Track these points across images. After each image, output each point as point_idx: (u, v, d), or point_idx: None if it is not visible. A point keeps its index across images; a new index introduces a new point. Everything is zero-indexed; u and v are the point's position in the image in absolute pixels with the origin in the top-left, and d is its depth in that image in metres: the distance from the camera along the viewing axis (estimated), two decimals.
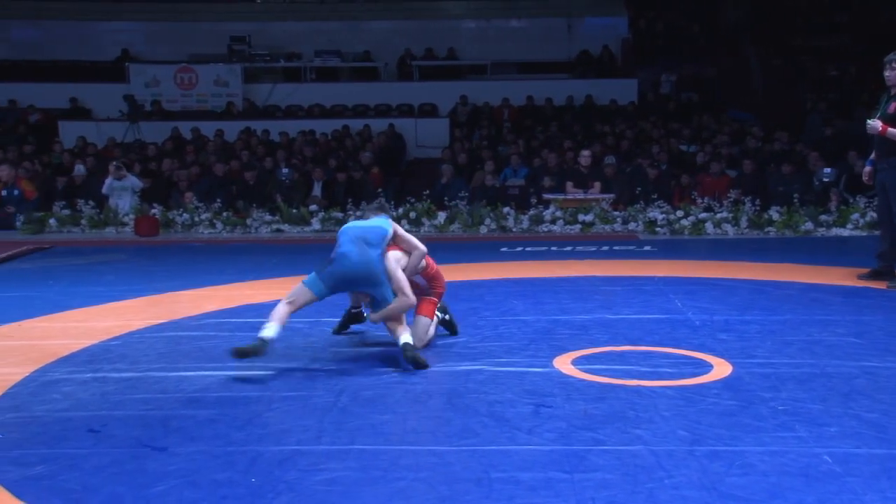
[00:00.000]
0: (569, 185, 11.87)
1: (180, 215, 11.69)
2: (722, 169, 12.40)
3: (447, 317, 5.42)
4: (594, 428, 3.70)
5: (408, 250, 4.99)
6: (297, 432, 3.75)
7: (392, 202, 11.70)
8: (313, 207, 11.82)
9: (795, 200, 10.83)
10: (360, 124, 16.32)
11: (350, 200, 11.73)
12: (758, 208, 10.82)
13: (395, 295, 4.79)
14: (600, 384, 4.35)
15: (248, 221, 11.53)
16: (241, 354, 4.55)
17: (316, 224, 11.47)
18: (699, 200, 11.10)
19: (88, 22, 19.69)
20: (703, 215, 10.76)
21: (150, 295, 7.01)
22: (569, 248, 9.44)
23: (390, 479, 3.22)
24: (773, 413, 3.86)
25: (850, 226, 10.43)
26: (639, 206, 11.14)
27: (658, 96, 17.58)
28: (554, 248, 9.47)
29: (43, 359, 5.01)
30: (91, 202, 11.95)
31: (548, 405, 4.03)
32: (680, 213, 10.84)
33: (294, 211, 11.67)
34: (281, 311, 4.71)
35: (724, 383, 4.33)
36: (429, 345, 5.20)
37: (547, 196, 11.69)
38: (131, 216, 11.62)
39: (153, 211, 11.70)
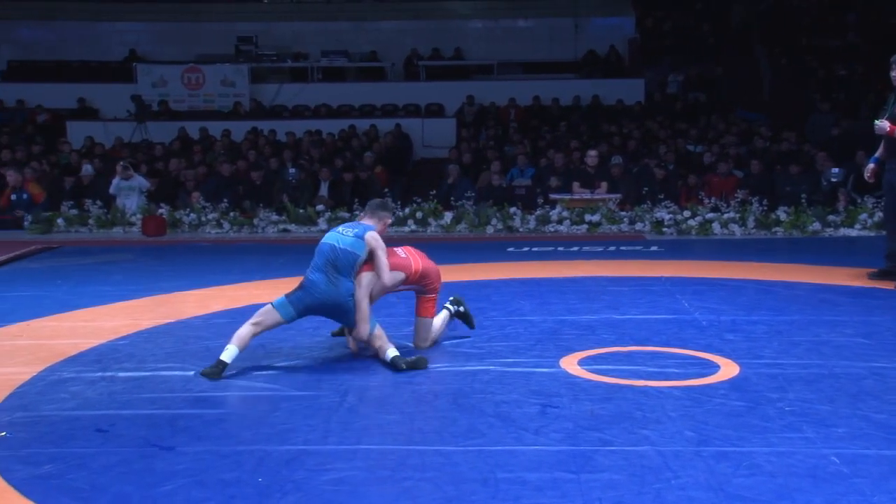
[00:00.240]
0: (575, 185, 11.86)
1: (187, 215, 11.72)
2: (729, 169, 12.38)
3: (462, 309, 5.40)
4: (601, 428, 3.70)
5: (377, 273, 4.84)
6: (304, 432, 3.76)
7: (398, 202, 11.72)
8: (320, 207, 11.83)
9: (803, 200, 10.80)
10: (366, 124, 16.32)
11: (356, 200, 11.73)
12: (765, 208, 10.80)
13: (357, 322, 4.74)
14: (607, 384, 4.35)
15: (255, 221, 11.56)
16: (203, 375, 4.58)
17: (322, 224, 11.47)
18: (706, 201, 11.07)
19: (96, 22, 19.74)
20: (711, 215, 10.74)
21: (157, 294, 7.03)
22: (575, 249, 9.43)
23: (397, 478, 3.22)
24: (781, 414, 3.85)
25: (858, 226, 10.40)
26: (646, 206, 11.12)
27: (665, 96, 17.54)
28: (560, 249, 9.47)
29: (51, 358, 5.03)
30: (99, 202, 11.99)
31: (554, 405, 4.02)
32: (687, 214, 10.82)
33: (301, 211, 11.69)
34: (243, 333, 4.67)
35: (732, 384, 4.32)
36: (436, 343, 5.20)
37: (553, 196, 11.68)
38: (138, 216, 11.65)
39: (160, 211, 11.73)
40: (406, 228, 11.33)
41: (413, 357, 4.74)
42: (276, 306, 4.72)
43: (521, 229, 11.12)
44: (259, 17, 19.67)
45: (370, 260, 4.84)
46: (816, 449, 3.42)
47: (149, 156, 14.59)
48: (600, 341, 5.23)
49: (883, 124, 6.73)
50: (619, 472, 3.23)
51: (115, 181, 12.21)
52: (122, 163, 12.59)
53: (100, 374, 4.72)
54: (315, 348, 5.23)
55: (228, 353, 4.60)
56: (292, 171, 12.85)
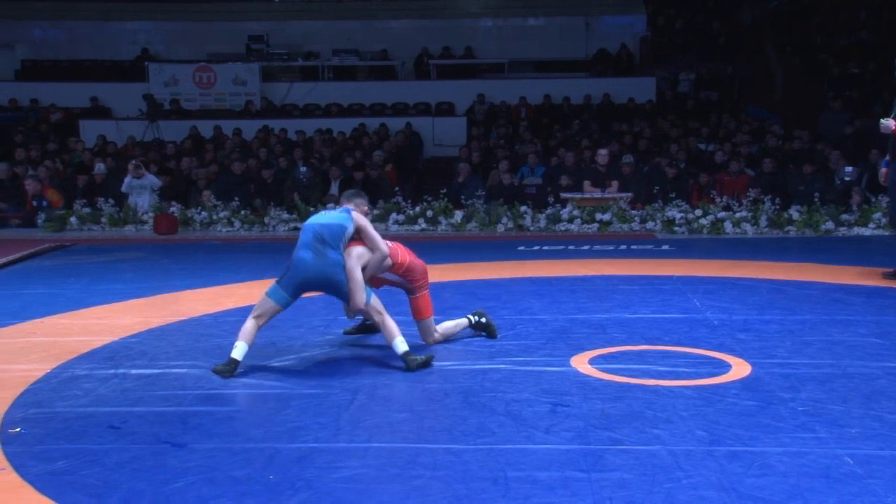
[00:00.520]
0: (586, 183, 11.84)
1: (199, 213, 11.75)
2: (741, 168, 12.32)
3: (483, 320, 5.35)
4: (612, 427, 3.70)
5: (370, 248, 4.84)
6: (315, 430, 3.77)
7: (409, 200, 11.72)
8: (330, 206, 11.83)
9: (816, 199, 10.75)
10: (377, 123, 16.34)
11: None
12: (778, 207, 10.75)
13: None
14: (618, 384, 4.34)
15: (266, 220, 11.58)
16: (216, 372, 4.62)
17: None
18: (718, 199, 11.03)
19: (108, 22, 19.82)
20: (722, 214, 10.69)
21: (169, 292, 7.06)
22: (586, 248, 9.41)
23: (407, 476, 3.23)
24: (793, 414, 3.83)
25: (871, 225, 10.34)
26: (657, 205, 11.09)
27: (676, 95, 17.49)
28: (571, 248, 9.45)
29: (64, 355, 5.06)
30: (111, 200, 12.04)
31: (565, 404, 4.02)
32: (698, 213, 10.78)
33: (311, 209, 11.70)
34: (248, 328, 4.69)
35: (743, 383, 4.31)
36: (449, 340, 5.19)
37: (564, 195, 11.65)
38: (150, 214, 11.69)
39: (172, 209, 11.77)
40: (416, 227, 11.34)
41: (422, 357, 4.74)
42: (270, 294, 4.73)
43: (531, 228, 11.10)
44: (270, 17, 19.70)
45: (358, 238, 4.83)
46: (829, 449, 3.41)
47: (160, 154, 14.64)
48: (611, 340, 5.22)
49: (888, 123, 6.76)
50: (630, 471, 3.22)
51: (127, 180, 12.26)
52: (133, 161, 12.64)
53: (112, 371, 4.75)
54: (325, 346, 5.24)
55: (239, 351, 4.62)
56: (303, 169, 12.87)
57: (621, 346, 5.09)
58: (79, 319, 6.12)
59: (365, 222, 4.87)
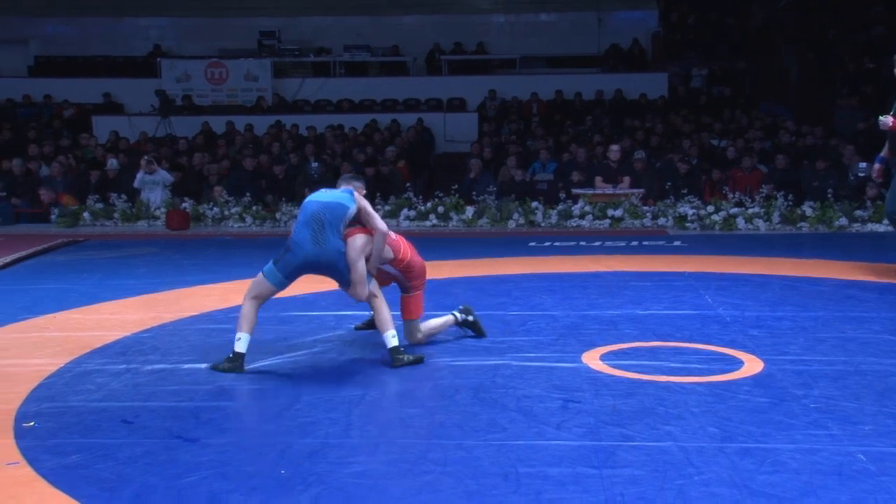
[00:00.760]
0: (598, 179, 11.81)
1: (210, 209, 11.80)
2: (754, 164, 12.27)
3: (471, 318, 5.26)
4: (623, 424, 3.69)
5: (371, 228, 4.70)
6: (326, 425, 3.77)
7: (420, 196, 11.73)
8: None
9: (829, 195, 10.69)
10: (388, 119, 16.34)
11: (378, 195, 11.76)
12: (791, 203, 10.70)
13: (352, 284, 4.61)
14: (629, 380, 4.33)
15: (278, 215, 11.61)
16: (220, 370, 4.53)
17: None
18: (730, 195, 10.99)
19: (121, 18, 19.89)
20: (735, 210, 10.65)
21: (181, 288, 7.09)
22: (597, 244, 9.39)
23: (418, 472, 3.23)
24: (806, 410, 3.82)
25: (885, 221, 10.27)
26: (669, 201, 11.05)
27: (689, 90, 17.41)
28: (583, 243, 9.43)
29: (77, 350, 5.09)
30: (123, 196, 12.10)
31: (576, 400, 4.02)
32: (711, 209, 10.74)
33: None
34: (248, 313, 4.57)
35: (755, 380, 4.29)
36: (428, 341, 5.12)
37: (576, 191, 11.63)
38: (163, 210, 11.74)
39: (184, 205, 11.81)
40: (428, 223, 11.34)
41: (411, 356, 4.68)
42: (266, 274, 4.62)
43: (542, 224, 11.09)
44: (281, 12, 19.71)
45: (359, 222, 4.70)
46: (842, 446, 3.39)
47: (172, 150, 14.70)
48: (623, 336, 5.21)
49: (887, 119, 6.83)
50: (642, 467, 3.22)
51: (140, 175, 12.31)
52: (146, 157, 12.69)
53: (124, 366, 4.77)
54: (337, 341, 5.25)
55: (243, 343, 4.53)
56: (314, 165, 12.89)
57: (633, 342, 5.08)
58: (91, 315, 6.15)
59: (365, 203, 4.73)
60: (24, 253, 8.97)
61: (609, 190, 11.56)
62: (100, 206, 12.02)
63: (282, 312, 5.81)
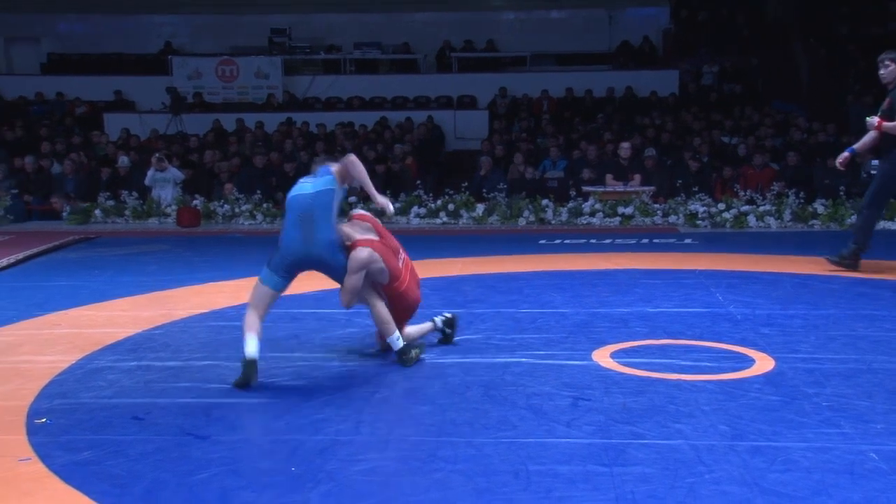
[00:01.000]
0: (608, 177, 11.79)
1: (221, 206, 11.83)
2: (765, 161, 12.22)
3: (449, 331, 5.07)
4: (633, 422, 3.68)
5: (353, 174, 4.55)
6: (337, 422, 3.78)
7: (431, 194, 11.73)
8: (352, 199, 11.87)
9: (841, 193, 10.63)
10: (399, 116, 16.35)
11: (388, 192, 11.76)
12: (802, 201, 10.64)
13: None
14: (640, 378, 4.32)
15: None
16: (241, 386, 4.28)
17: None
18: (741, 193, 10.94)
19: (133, 16, 19.94)
20: (746, 208, 10.61)
21: (191, 285, 7.11)
22: (608, 241, 9.38)
23: (428, 469, 3.23)
24: (817, 409, 3.80)
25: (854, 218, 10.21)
26: (679, 198, 11.02)
27: (700, 88, 17.34)
28: (593, 241, 9.42)
29: (88, 347, 5.11)
30: (135, 193, 12.14)
31: (586, 398, 4.01)
32: (721, 206, 10.71)
33: None
34: (252, 321, 4.39)
35: (767, 378, 4.27)
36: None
37: (586, 188, 11.61)
38: (173, 207, 11.78)
39: (195, 202, 11.85)
40: (438, 220, 11.34)
41: (417, 348, 4.69)
42: (264, 280, 4.49)
43: (553, 221, 11.08)
44: (292, 10, 19.73)
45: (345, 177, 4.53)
46: (854, 445, 3.38)
47: (183, 147, 14.74)
48: (633, 334, 5.20)
49: (872, 120, 7.01)
50: (652, 465, 3.21)
51: (151, 172, 12.35)
52: (156, 154, 12.73)
53: (136, 363, 4.79)
54: (348, 339, 5.26)
55: (252, 348, 4.29)
56: None
57: (643, 340, 5.07)
58: (103, 311, 6.18)
59: (346, 162, 4.56)
60: (36, 250, 9.02)
61: (620, 187, 11.54)
62: (111, 203, 12.07)
63: (293, 310, 5.83)
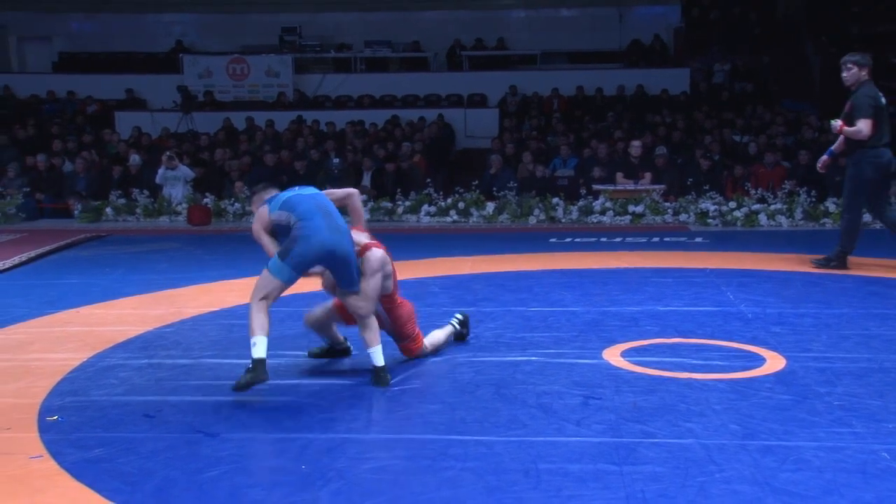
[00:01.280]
0: (619, 175, 11.76)
1: (232, 205, 11.85)
2: (777, 160, 12.16)
3: (464, 331, 5.08)
4: (644, 420, 3.67)
5: (346, 203, 4.51)
6: (347, 421, 3.79)
7: (441, 192, 11.72)
8: (363, 197, 11.88)
9: None
10: (409, 115, 16.35)
11: (399, 190, 11.77)
12: (814, 200, 10.59)
13: (360, 290, 4.31)
14: (650, 376, 4.31)
15: None
16: (245, 387, 4.02)
17: (365, 214, 11.50)
18: (752, 192, 10.90)
19: (143, 14, 20.02)
20: (757, 207, 10.56)
21: (202, 283, 7.13)
22: (618, 240, 9.35)
23: (438, 468, 3.23)
24: (829, 408, 3.78)
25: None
26: (690, 197, 10.98)
27: (711, 86, 17.28)
28: (603, 240, 9.40)
29: (100, 345, 5.13)
30: (146, 191, 12.18)
31: (597, 397, 4.00)
32: (732, 205, 10.66)
33: None
34: (258, 316, 4.11)
35: (778, 377, 4.26)
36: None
37: (597, 187, 11.58)
38: (184, 205, 11.81)
39: (205, 200, 11.88)
40: (448, 219, 11.34)
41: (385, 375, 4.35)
42: (275, 272, 4.18)
43: (563, 220, 11.06)
44: (303, 8, 19.76)
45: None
46: (866, 444, 3.36)
47: (194, 146, 14.77)
48: (643, 333, 5.19)
49: (836, 123, 7.16)
50: (663, 464, 3.20)
51: (161, 171, 12.38)
52: (167, 153, 12.77)
53: (146, 360, 4.81)
54: (357, 337, 5.24)
55: (260, 347, 4.05)
56: (336, 160, 12.92)
57: (654, 338, 5.06)
58: (114, 309, 6.20)
59: (347, 192, 4.61)
60: (47, 248, 9.06)
61: (630, 186, 11.50)
62: (122, 201, 12.11)
63: (304, 308, 5.82)
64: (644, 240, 9.29)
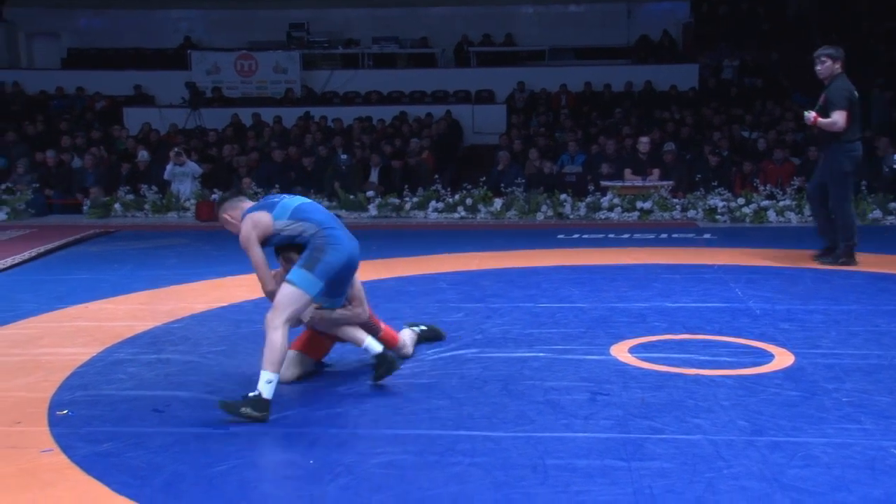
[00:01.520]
0: (627, 171, 11.74)
1: None
2: (786, 156, 12.12)
3: (422, 328, 4.93)
4: (652, 416, 3.67)
5: None
6: (355, 416, 3.80)
7: (448, 188, 11.72)
8: (370, 193, 11.89)
9: (863, 188, 10.53)
10: (417, 111, 16.35)
11: (406, 186, 11.77)
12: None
13: (350, 302, 4.22)
14: (658, 372, 4.30)
15: None
16: (240, 419, 3.68)
17: (373, 210, 11.54)
18: (761, 188, 10.86)
19: (152, 10, 20.06)
20: (766, 203, 10.53)
21: (210, 279, 7.14)
22: (626, 236, 9.34)
23: (446, 463, 3.24)
24: (838, 404, 3.77)
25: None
26: (699, 193, 10.95)
27: (720, 82, 17.23)
28: (611, 236, 9.38)
29: (108, 340, 5.15)
30: (154, 187, 12.22)
31: (605, 393, 4.00)
32: (741, 201, 10.63)
33: (351, 197, 11.76)
34: (283, 349, 3.80)
35: (786, 373, 4.25)
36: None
37: (605, 183, 11.57)
38: (192, 201, 11.84)
39: (213, 196, 11.89)
40: (456, 215, 11.33)
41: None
42: (304, 286, 3.85)
43: (571, 216, 11.04)
44: (310, 4, 19.76)
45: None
46: (875, 440, 3.35)
47: (202, 142, 14.80)
48: (651, 329, 5.18)
49: (809, 115, 7.11)
50: (671, 460, 3.20)
51: (169, 167, 12.42)
52: (175, 149, 12.80)
53: (155, 356, 4.82)
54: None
55: (272, 387, 3.74)
56: (344, 157, 12.93)
57: (662, 335, 5.05)
58: (123, 305, 6.22)
59: None
60: (57, 243, 9.09)
61: (638, 182, 11.48)
62: (130, 197, 12.15)
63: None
64: (652, 236, 9.28)
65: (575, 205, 11.12)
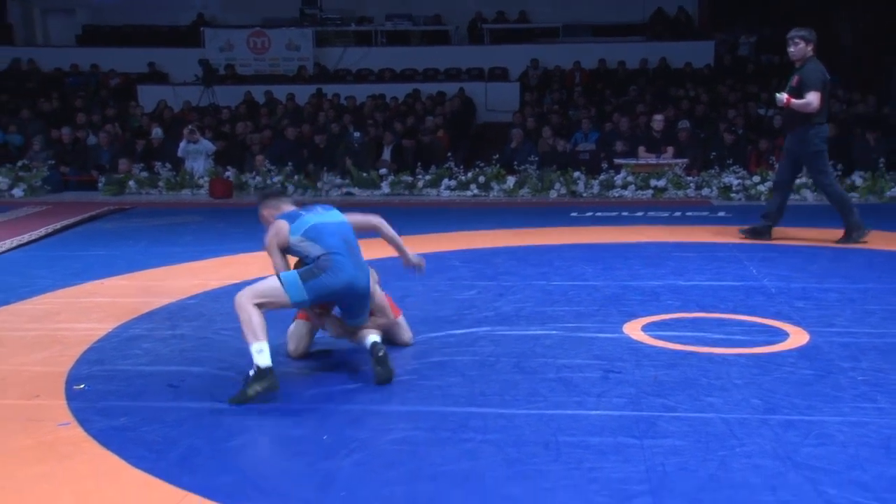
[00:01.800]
0: (641, 149, 11.67)
1: (253, 178, 11.89)
2: None
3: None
4: (664, 394, 3.66)
5: (369, 227, 4.26)
6: (368, 392, 3.81)
7: (461, 166, 11.70)
8: (383, 171, 11.88)
9: (881, 165, 10.44)
10: (430, 88, 16.28)
11: (419, 164, 11.75)
12: (840, 174, 10.46)
13: (372, 314, 4.16)
14: (671, 351, 4.29)
15: (319, 185, 11.66)
16: (251, 398, 3.66)
17: (385, 188, 11.54)
18: (777, 166, 10.77)
19: None
20: None
21: (224, 255, 7.17)
22: (640, 214, 9.30)
23: (458, 440, 3.25)
24: (853, 383, 3.75)
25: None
26: (713, 171, 10.88)
27: (736, 59, 17.04)
28: (625, 214, 9.35)
29: (124, 315, 5.19)
30: (168, 165, 12.24)
31: (617, 371, 4.00)
32: (756, 179, 10.56)
33: (364, 174, 11.75)
34: (256, 320, 3.74)
35: (801, 352, 4.23)
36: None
37: (618, 161, 11.51)
38: (206, 179, 11.87)
39: (227, 174, 11.92)
40: (469, 193, 11.31)
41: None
42: (288, 288, 3.83)
43: (584, 194, 11.01)
44: None
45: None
46: (891, 419, 3.33)
47: (216, 119, 14.81)
48: (665, 307, 5.17)
49: (781, 96, 7.12)
50: (683, 438, 3.20)
51: (183, 144, 12.44)
52: (189, 126, 12.81)
53: (170, 332, 4.86)
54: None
55: (266, 355, 3.71)
56: (356, 134, 12.91)
57: (675, 313, 5.04)
58: (137, 281, 6.26)
59: (370, 220, 4.28)
60: (72, 220, 9.15)
61: (652, 160, 11.42)
62: (145, 174, 12.19)
63: None
64: (666, 214, 9.24)
65: (588, 182, 11.08)
